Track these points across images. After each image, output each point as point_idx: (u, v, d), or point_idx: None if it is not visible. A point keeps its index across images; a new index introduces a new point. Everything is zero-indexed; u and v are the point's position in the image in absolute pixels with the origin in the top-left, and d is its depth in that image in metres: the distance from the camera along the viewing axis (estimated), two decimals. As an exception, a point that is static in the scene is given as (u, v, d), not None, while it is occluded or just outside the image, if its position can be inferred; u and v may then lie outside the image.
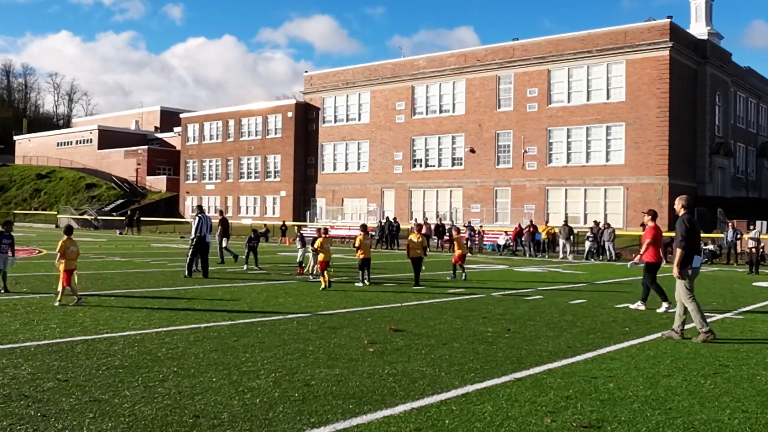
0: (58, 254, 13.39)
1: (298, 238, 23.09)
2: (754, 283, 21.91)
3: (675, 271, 10.74)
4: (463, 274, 20.67)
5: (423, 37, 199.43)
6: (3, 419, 5.84)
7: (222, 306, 13.52)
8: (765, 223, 37.26)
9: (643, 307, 14.34)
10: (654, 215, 14.81)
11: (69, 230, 13.82)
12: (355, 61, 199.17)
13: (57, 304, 12.98)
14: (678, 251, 10.76)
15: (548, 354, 9.22)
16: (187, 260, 19.75)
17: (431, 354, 9.03)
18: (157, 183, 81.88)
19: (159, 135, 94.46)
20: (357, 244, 18.84)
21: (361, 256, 18.54)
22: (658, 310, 13.97)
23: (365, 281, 18.38)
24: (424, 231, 39.11)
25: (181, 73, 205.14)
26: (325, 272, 17.26)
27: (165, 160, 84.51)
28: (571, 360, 8.89)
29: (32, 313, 11.87)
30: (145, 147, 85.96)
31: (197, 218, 20.37)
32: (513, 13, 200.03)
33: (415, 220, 50.28)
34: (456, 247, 21.28)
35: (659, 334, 11.06)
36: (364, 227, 19.55)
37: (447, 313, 13.20)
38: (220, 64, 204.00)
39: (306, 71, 67.83)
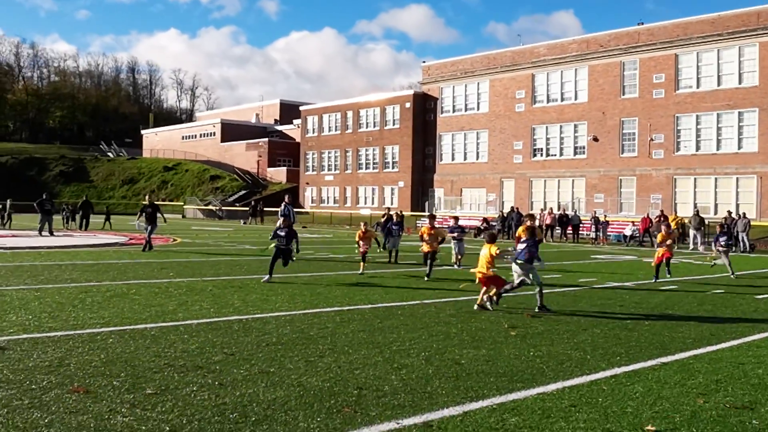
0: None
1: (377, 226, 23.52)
2: None
3: None
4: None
5: (522, 23, 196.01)
6: (185, 386, 6.41)
7: (358, 291, 14.01)
8: None
9: None
10: None
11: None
12: (457, 49, 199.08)
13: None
14: None
15: (692, 341, 9.19)
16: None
17: (573, 339, 9.17)
18: (278, 174, 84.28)
19: (278, 127, 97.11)
20: (421, 236, 17.58)
21: (425, 249, 17.17)
22: None
23: (425, 276, 16.62)
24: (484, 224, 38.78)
25: (283, 66, 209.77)
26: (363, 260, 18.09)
27: (285, 151, 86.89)
28: (715, 347, 8.83)
29: (184, 295, 12.68)
30: (266, 139, 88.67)
31: (286, 207, 22.67)
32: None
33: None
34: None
35: (807, 325, 10.77)
36: (432, 217, 18.54)
37: (581, 301, 13.24)
38: (320, 56, 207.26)
39: (423, 61, 68.23)
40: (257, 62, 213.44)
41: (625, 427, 5.48)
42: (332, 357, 7.75)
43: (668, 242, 17.73)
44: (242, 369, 7.11)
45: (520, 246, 11.76)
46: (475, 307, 11.57)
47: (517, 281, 11.70)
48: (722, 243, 19.40)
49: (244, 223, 60.74)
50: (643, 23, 52.25)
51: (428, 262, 16.85)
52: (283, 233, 15.37)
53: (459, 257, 20.32)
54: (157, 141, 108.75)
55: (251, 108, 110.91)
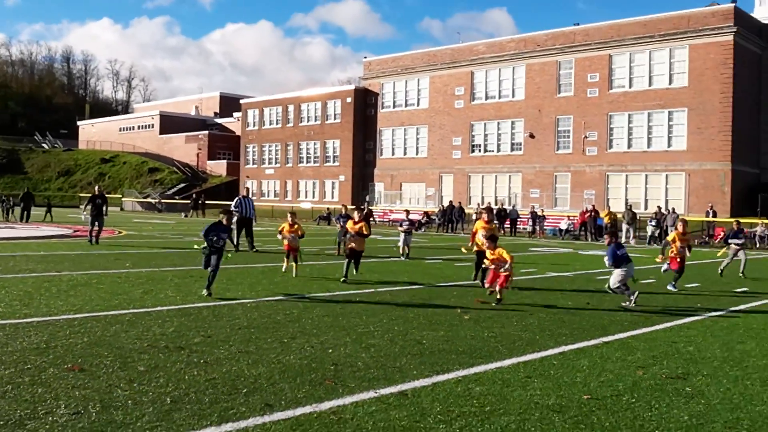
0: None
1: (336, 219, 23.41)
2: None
3: None
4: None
5: (457, 20, 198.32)
6: (173, 365, 6.92)
7: (314, 281, 14.57)
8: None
9: None
10: None
11: None
12: (392, 44, 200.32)
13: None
14: None
15: (629, 323, 10.06)
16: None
17: (522, 322, 9.95)
18: (218, 167, 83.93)
19: (218, 120, 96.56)
20: (346, 231, 15.47)
21: (350, 246, 14.77)
22: None
23: (343, 278, 14.31)
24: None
25: (218, 58, 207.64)
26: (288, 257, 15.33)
27: (225, 145, 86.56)
28: (651, 329, 9.71)
29: (147, 284, 13.05)
30: (206, 132, 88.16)
31: (242, 200, 22.91)
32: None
33: (483, 204, 50.94)
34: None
35: (727, 310, 11.78)
36: (360, 210, 15.93)
37: (525, 290, 14.06)
38: (256, 49, 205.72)
39: (365, 57, 68.83)
40: (192, 54, 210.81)
41: (575, 394, 6.23)
42: (303, 338, 8.34)
43: (679, 245, 14.69)
44: (222, 349, 7.64)
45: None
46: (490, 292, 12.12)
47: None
48: (737, 243, 17.95)
49: (186, 215, 60.48)
50: (578, 24, 53.91)
51: (350, 262, 14.50)
52: (223, 235, 11.94)
53: (407, 249, 21.08)
54: (94, 132, 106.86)
55: (191, 100, 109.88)
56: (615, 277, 12.04)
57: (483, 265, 13.03)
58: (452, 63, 59.98)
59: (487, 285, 12.28)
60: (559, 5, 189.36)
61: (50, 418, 5.19)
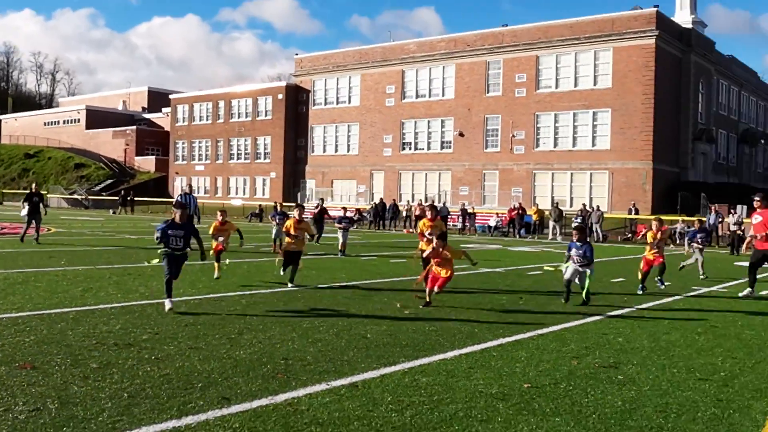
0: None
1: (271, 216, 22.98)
2: (735, 263, 23.38)
3: None
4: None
5: (386, 18, 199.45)
6: (125, 361, 7.02)
7: (254, 277, 14.69)
8: (746, 207, 38.83)
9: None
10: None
11: None
12: (321, 41, 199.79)
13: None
14: None
15: (561, 317, 10.55)
16: None
17: (460, 316, 10.33)
18: (146, 163, 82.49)
19: (147, 115, 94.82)
20: (287, 231, 13.73)
21: (290, 248, 13.48)
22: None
23: (289, 282, 13.25)
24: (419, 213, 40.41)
25: (144, 51, 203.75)
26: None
27: (154, 140, 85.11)
28: (582, 321, 10.21)
29: (85, 282, 12.97)
30: (134, 127, 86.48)
31: (183, 197, 22.47)
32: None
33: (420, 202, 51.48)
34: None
35: (653, 303, 12.43)
36: (300, 207, 14.16)
37: (461, 284, 14.46)
38: (183, 43, 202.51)
39: (296, 54, 68.82)
40: (118, 47, 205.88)
41: (516, 383, 6.61)
42: (251, 334, 8.52)
43: (658, 244, 14.26)
44: (171, 346, 7.77)
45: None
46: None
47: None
48: (699, 240, 18.00)
49: (114, 212, 59.36)
50: (507, 25, 55.02)
51: (289, 266, 13.36)
52: (179, 233, 10.29)
53: (344, 246, 21.40)
54: (17, 127, 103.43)
55: (118, 95, 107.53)
56: (575, 274, 11.84)
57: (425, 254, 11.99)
58: (383, 61, 60.42)
59: (427, 286, 11.41)
60: (485, 5, 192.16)
61: (10, 416, 5.27)
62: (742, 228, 31.07)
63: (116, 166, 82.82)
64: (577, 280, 11.99)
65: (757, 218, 12.95)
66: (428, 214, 13.86)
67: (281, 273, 13.84)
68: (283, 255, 13.58)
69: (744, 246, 12.96)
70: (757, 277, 13.36)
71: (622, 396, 6.27)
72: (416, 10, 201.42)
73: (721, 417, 5.77)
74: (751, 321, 10.80)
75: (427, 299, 11.26)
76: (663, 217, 21.58)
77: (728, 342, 8.92)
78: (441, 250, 11.10)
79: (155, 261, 10.74)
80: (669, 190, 48.16)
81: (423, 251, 12.52)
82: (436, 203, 46.26)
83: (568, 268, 11.97)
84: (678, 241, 36.19)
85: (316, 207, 29.64)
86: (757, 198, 13.16)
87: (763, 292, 14.35)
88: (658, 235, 14.18)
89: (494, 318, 10.27)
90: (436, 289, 11.17)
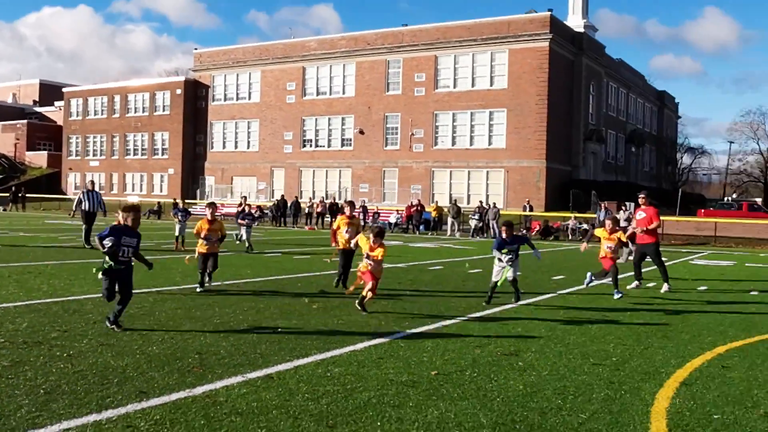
0: None
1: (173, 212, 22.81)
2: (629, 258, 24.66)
3: None
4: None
5: (284, 14, 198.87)
6: (37, 359, 7.00)
7: (158, 274, 14.59)
8: (633, 204, 40.82)
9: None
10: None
11: None
12: (219, 35, 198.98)
13: None
14: None
15: (463, 309, 11.03)
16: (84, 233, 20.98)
17: (367, 309, 10.63)
18: (38, 159, 79.53)
19: (38, 109, 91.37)
20: (197, 232, 12.42)
21: (203, 251, 12.33)
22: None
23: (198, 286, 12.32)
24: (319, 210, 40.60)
25: (33, 42, 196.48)
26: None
27: (46, 135, 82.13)
28: (483, 313, 10.71)
29: (-19, 281, 12.63)
30: (24, 121, 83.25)
31: (87, 193, 21.83)
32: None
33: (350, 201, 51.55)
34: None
35: (549, 296, 13.11)
36: (212, 206, 13.28)
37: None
38: (75, 34, 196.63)
39: (195, 48, 67.63)
40: (4, 37, 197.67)
41: (424, 371, 6.97)
42: (162, 330, 8.59)
43: (611, 244, 13.35)
44: (82, 343, 7.77)
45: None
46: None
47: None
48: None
49: (5, 209, 56.98)
50: (407, 25, 55.84)
51: (205, 270, 12.35)
52: (131, 241, 8.75)
53: (250, 242, 21.55)
54: None
55: (7, 87, 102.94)
56: (516, 269, 11.58)
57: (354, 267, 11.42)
58: (284, 58, 60.26)
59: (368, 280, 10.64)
60: (384, 4, 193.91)
61: (-77, 413, 5.25)
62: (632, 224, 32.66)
63: (6, 162, 79.48)
64: (509, 275, 11.42)
65: (641, 214, 14.63)
66: (346, 210, 13.29)
67: (207, 280, 12.47)
68: (202, 257, 12.27)
69: (626, 236, 13.95)
70: (642, 270, 14.39)
71: (524, 380, 6.73)
72: (314, 7, 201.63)
73: (614, 398, 6.28)
74: (639, 311, 11.56)
75: (371, 293, 10.43)
76: (555, 214, 22.64)
77: (619, 330, 9.57)
78: (377, 246, 10.70)
79: (102, 263, 8.67)
80: (561, 188, 50.06)
81: (345, 248, 12.51)
82: (337, 201, 46.57)
83: (504, 270, 11.44)
84: (570, 237, 37.72)
85: (239, 205, 29.85)
86: (642, 195, 15.00)
87: (650, 285, 15.31)
88: (613, 237, 13.31)
89: (399, 311, 10.64)
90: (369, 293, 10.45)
